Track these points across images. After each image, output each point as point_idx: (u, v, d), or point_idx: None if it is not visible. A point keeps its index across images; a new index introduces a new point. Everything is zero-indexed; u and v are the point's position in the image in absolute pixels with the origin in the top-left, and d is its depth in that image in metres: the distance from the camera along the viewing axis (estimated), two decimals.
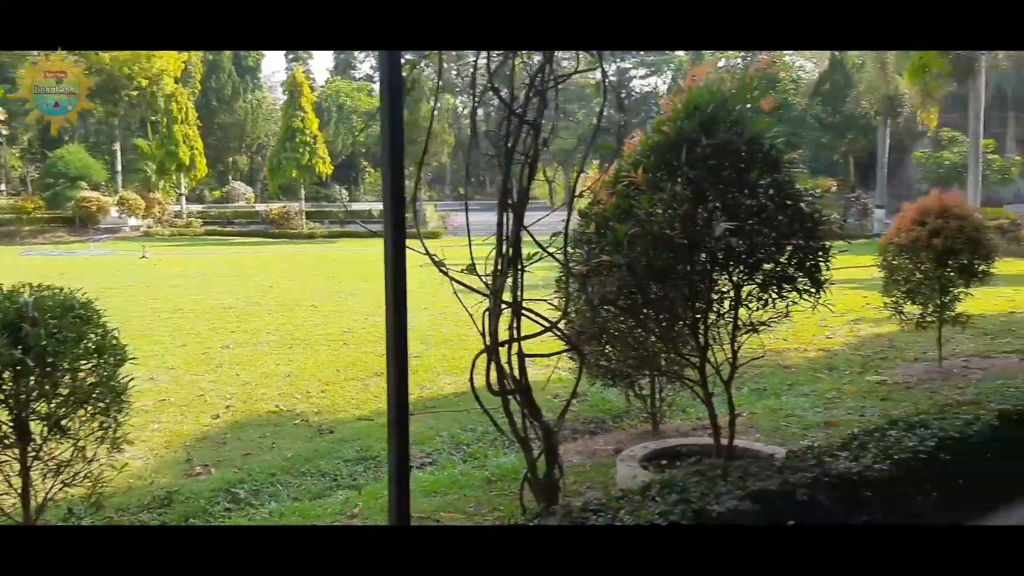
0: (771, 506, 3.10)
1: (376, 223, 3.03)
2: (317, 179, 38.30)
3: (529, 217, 3.36)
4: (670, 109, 4.37)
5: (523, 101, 2.92)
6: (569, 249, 4.44)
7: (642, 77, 61.96)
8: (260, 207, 40.72)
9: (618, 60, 60.18)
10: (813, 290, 4.28)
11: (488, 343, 3.05)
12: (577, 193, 3.22)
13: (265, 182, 43.17)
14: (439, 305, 11.43)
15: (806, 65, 45.32)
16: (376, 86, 54.40)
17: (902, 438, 3.76)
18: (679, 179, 4.01)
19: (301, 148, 35.38)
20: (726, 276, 4.26)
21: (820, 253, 4.23)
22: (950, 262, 7.53)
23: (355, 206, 42.01)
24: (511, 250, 3.05)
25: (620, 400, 6.52)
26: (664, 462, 4.71)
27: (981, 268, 7.64)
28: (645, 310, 4.31)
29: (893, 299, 7.99)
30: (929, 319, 7.87)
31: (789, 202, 4.13)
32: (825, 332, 10.46)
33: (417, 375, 8.43)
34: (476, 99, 2.97)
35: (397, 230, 2.50)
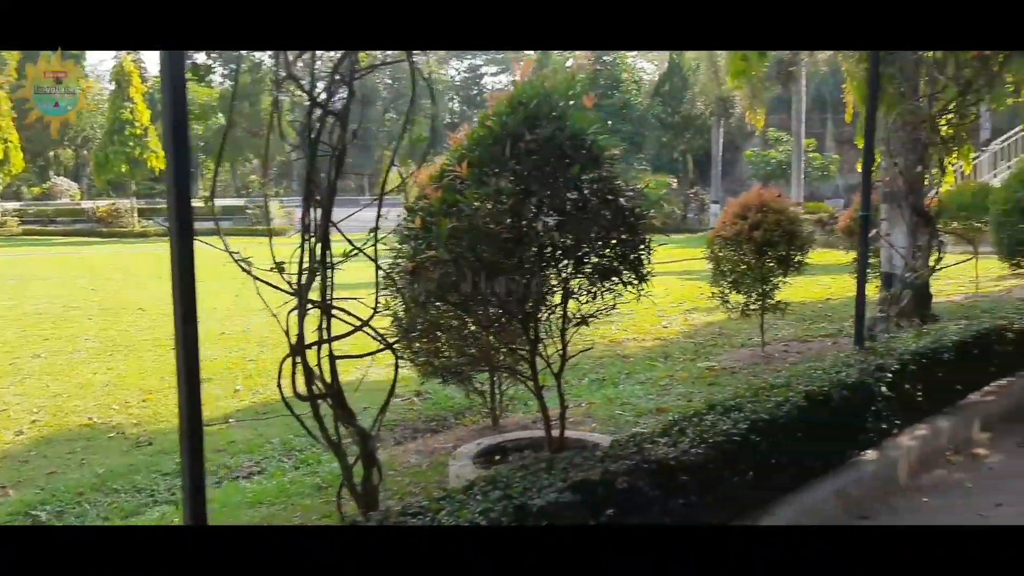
0: (592, 496, 3.12)
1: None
2: (150, 174, 36.07)
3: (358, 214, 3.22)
4: (495, 104, 4.35)
5: (327, 91, 2.79)
6: (397, 245, 4.37)
7: (493, 74, 62.52)
8: (86, 204, 37.87)
9: (469, 57, 60.45)
10: (637, 282, 4.39)
11: (294, 345, 2.89)
12: (388, 189, 3.12)
13: (92, 178, 40.17)
14: (277, 307, 10.97)
15: (647, 67, 47.22)
16: (215, 77, 51.83)
17: (718, 422, 3.87)
18: (504, 174, 3.99)
19: (131, 141, 33.20)
20: (554, 270, 4.28)
21: (642, 246, 4.35)
22: (769, 253, 8.00)
23: (195, 202, 39.79)
24: (320, 246, 2.90)
25: (462, 397, 6.47)
26: (498, 458, 4.70)
27: (797, 258, 8.17)
28: (477, 307, 4.27)
29: (720, 289, 8.42)
30: (753, 307, 8.35)
31: (611, 197, 4.20)
32: (662, 322, 10.89)
33: (252, 380, 8.05)
34: (277, 88, 2.80)
35: (183, 224, 2.32)
